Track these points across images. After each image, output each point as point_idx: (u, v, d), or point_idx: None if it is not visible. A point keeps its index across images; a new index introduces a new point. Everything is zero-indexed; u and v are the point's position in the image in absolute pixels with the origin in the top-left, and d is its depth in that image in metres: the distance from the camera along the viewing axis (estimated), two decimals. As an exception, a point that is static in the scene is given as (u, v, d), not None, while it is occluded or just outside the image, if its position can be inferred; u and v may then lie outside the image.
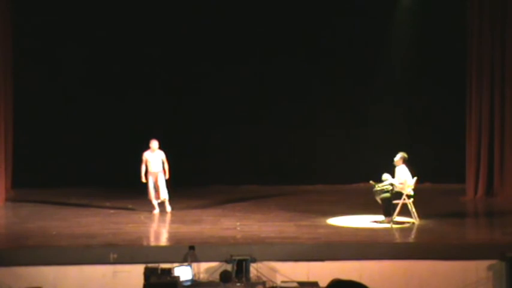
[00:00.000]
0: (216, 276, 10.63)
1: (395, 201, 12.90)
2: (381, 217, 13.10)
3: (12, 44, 16.44)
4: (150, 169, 14.09)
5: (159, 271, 10.22)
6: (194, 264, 10.70)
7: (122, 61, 17.53)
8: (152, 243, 12.49)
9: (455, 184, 16.97)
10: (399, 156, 13.13)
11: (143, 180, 14.08)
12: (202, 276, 10.75)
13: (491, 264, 10.97)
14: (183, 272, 10.45)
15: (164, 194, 14.08)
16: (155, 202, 14.16)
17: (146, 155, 14.12)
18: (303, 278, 10.68)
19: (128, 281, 10.57)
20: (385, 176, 13.06)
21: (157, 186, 14.04)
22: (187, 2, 17.68)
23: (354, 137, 17.97)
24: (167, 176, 14.07)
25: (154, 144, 14.15)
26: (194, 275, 10.63)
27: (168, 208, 14.22)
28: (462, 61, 16.51)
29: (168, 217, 13.95)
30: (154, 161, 14.09)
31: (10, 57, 16.37)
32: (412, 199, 12.99)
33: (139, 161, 14.13)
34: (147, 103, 17.59)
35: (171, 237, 12.61)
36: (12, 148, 16.65)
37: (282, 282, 10.62)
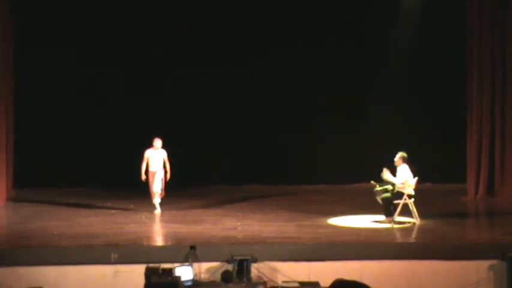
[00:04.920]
0: (217, 276, 10.63)
1: (396, 201, 12.91)
2: (382, 217, 13.10)
3: (12, 44, 16.44)
4: (150, 168, 14.12)
5: (160, 271, 10.22)
6: (195, 264, 10.70)
7: (122, 61, 17.52)
8: (153, 243, 12.49)
9: (456, 184, 16.98)
10: (398, 156, 13.14)
11: (143, 178, 14.08)
12: (203, 276, 10.75)
13: (492, 264, 10.97)
14: (184, 272, 10.45)
15: (157, 188, 14.04)
16: (156, 202, 14.17)
17: (148, 153, 14.15)
18: (304, 278, 10.68)
19: (129, 281, 10.56)
20: (385, 171, 13.03)
21: (154, 181, 14.05)
22: (188, 1, 17.68)
23: (355, 137, 17.97)
24: (169, 176, 14.08)
25: (157, 142, 14.17)
26: (195, 275, 10.62)
27: (158, 209, 14.17)
28: (463, 61, 16.53)
29: (169, 217, 13.94)
30: (156, 159, 14.12)
31: (10, 57, 16.37)
32: (413, 199, 12.99)
33: (140, 159, 14.14)
34: (148, 103, 17.59)
35: (172, 237, 12.60)
36: (13, 148, 16.65)
37: (283, 282, 10.62)
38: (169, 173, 14.10)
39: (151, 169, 14.13)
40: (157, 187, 14.07)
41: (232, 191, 17.11)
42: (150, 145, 14.22)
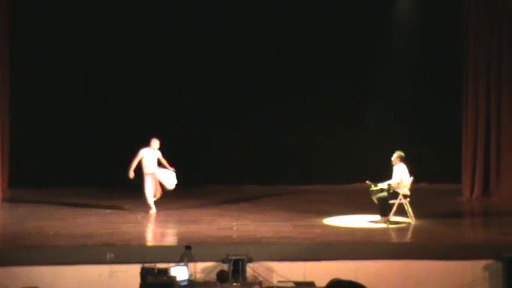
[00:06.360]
0: (212, 276, 10.61)
1: (391, 201, 12.92)
2: (377, 217, 13.12)
3: (10, 43, 16.42)
4: (146, 170, 14.08)
5: (156, 271, 10.20)
6: (191, 264, 10.69)
7: (122, 61, 17.50)
8: (149, 243, 12.48)
9: (452, 184, 17.00)
10: (395, 155, 13.17)
11: (131, 174, 13.95)
12: (199, 276, 10.75)
13: (487, 264, 10.99)
14: (180, 272, 10.44)
15: (172, 184, 14.11)
16: (152, 202, 14.17)
17: (143, 152, 14.09)
18: (299, 278, 10.68)
19: (124, 281, 10.56)
20: (372, 186, 13.11)
21: (156, 185, 14.05)
22: (187, 1, 17.68)
23: (352, 137, 17.99)
24: (173, 169, 14.08)
25: (155, 143, 14.14)
26: (191, 275, 10.61)
27: (154, 209, 14.15)
28: (459, 61, 16.55)
29: (165, 217, 13.94)
30: (151, 160, 14.09)
31: (8, 57, 16.35)
32: (408, 199, 13.01)
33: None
34: (147, 103, 17.57)
35: (168, 237, 12.61)
36: (9, 148, 16.63)
37: (279, 282, 10.62)
38: (172, 167, 14.09)
39: (147, 171, 14.09)
40: (172, 183, 14.10)
41: (228, 191, 17.11)
42: (147, 145, 14.17)
